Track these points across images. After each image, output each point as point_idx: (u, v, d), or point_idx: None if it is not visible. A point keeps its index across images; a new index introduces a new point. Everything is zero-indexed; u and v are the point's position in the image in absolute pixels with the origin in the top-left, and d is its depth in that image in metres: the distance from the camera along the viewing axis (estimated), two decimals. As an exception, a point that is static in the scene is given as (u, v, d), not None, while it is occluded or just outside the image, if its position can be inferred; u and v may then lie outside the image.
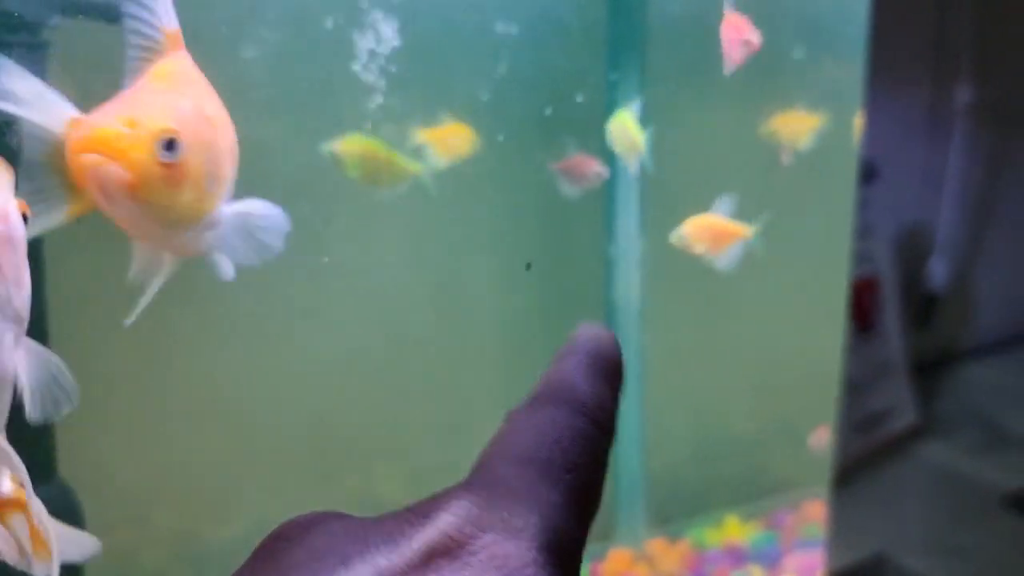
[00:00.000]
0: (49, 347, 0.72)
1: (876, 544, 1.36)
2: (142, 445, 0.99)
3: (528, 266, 0.98)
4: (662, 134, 1.13)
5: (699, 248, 0.87)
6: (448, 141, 0.93)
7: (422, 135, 0.90)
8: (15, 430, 0.72)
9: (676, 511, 1.25)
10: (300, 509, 0.89)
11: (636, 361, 1.21)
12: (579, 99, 0.98)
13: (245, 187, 0.94)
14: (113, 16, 0.70)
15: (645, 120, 1.00)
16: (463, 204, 1.10)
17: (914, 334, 2.03)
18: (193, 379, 0.98)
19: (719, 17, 1.04)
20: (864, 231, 1.67)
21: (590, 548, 0.96)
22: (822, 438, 1.07)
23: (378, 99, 0.90)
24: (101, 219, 0.85)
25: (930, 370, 2.05)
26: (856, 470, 1.59)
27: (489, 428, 0.99)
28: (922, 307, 2.02)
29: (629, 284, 1.17)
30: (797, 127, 1.05)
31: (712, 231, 0.90)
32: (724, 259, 0.91)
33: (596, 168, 0.98)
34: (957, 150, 1.98)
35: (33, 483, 0.73)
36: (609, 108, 1.10)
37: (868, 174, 1.66)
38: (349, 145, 0.86)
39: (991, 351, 2.20)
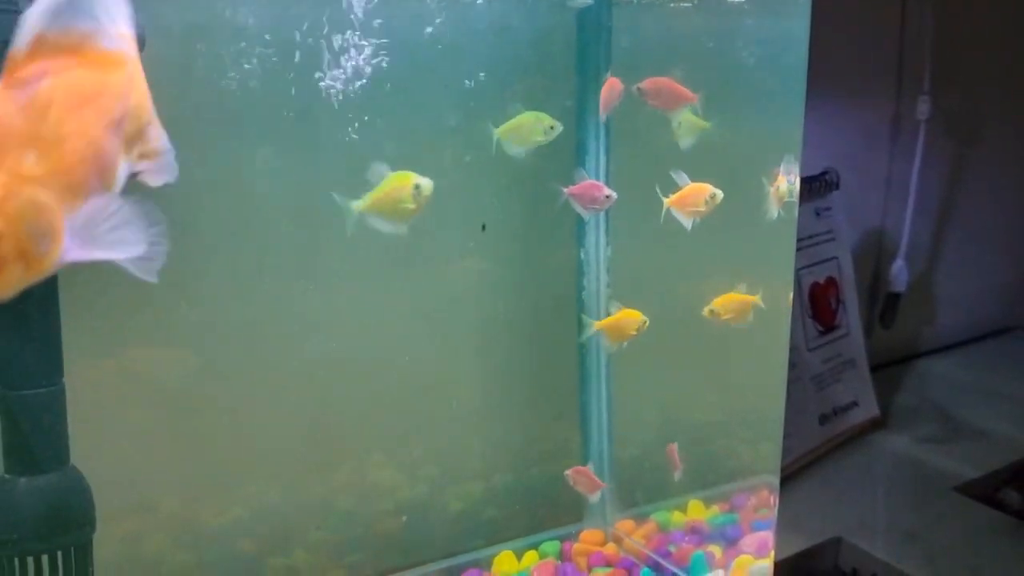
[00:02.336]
0: (60, 344, 0.80)
1: (835, 529, 1.45)
2: (147, 436, 1.05)
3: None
4: (625, 153, 1.23)
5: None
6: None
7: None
8: (31, 423, 0.80)
9: (642, 497, 1.34)
10: (297, 496, 1.00)
11: (604, 356, 1.30)
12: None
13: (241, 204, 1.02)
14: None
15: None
16: (447, 217, 1.18)
17: (877, 333, 2.13)
18: (197, 374, 1.03)
19: (678, 46, 1.14)
20: (827, 235, 1.77)
21: (562, 529, 1.08)
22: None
23: (356, 126, 0.98)
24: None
25: (892, 367, 2.15)
26: (819, 460, 1.68)
27: (472, 420, 1.12)
28: (886, 308, 2.11)
29: (597, 285, 1.27)
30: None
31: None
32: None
33: (605, 192, 1.06)
34: (918, 160, 2.07)
35: (47, 469, 0.80)
36: (579, 131, 1.20)
37: (829, 184, 1.76)
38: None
39: (950, 350, 2.30)
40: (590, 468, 1.16)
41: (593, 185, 1.06)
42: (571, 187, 1.06)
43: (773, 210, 1.08)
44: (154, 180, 0.61)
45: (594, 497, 1.17)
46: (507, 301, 1.25)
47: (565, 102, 1.13)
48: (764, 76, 1.04)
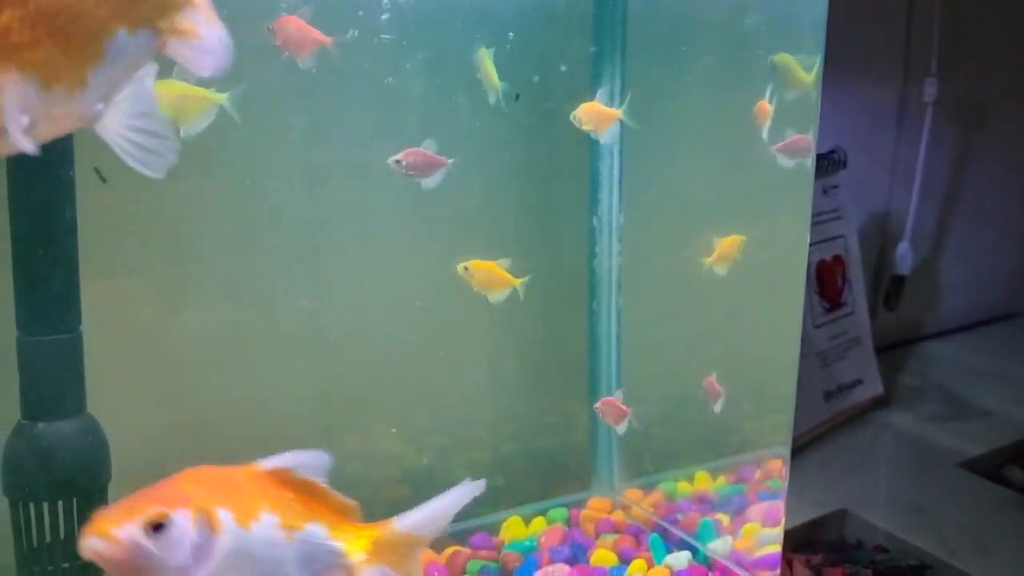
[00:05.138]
0: (79, 291, 0.79)
1: (841, 501, 1.45)
2: (156, 400, 1.05)
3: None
4: (641, 112, 1.22)
5: (588, 127, 1.03)
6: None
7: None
8: (49, 369, 0.79)
9: (650, 466, 1.34)
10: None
11: (614, 324, 1.30)
12: (563, 68, 1.05)
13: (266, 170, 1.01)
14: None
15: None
16: (457, 186, 1.17)
17: (882, 315, 2.13)
18: (207, 338, 1.03)
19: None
20: (834, 213, 1.77)
21: (571, 496, 1.07)
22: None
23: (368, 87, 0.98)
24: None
25: (896, 349, 2.16)
26: (824, 435, 1.69)
27: (478, 394, 1.11)
28: (890, 290, 2.12)
29: (609, 253, 1.27)
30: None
31: (596, 113, 1.05)
32: (607, 136, 1.06)
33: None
34: (925, 142, 2.08)
35: (65, 415, 0.79)
36: (594, 80, 1.18)
37: (837, 163, 1.76)
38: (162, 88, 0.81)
39: (954, 333, 2.31)
40: (617, 396, 1.15)
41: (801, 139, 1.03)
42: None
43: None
44: (196, 66, 0.50)
45: (622, 427, 1.16)
46: (517, 270, 1.25)
47: (580, 54, 1.12)
48: (783, 33, 1.03)
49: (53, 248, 0.78)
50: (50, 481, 0.80)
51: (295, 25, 0.88)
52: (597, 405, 1.16)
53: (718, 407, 1.15)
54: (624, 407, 1.14)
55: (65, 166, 0.79)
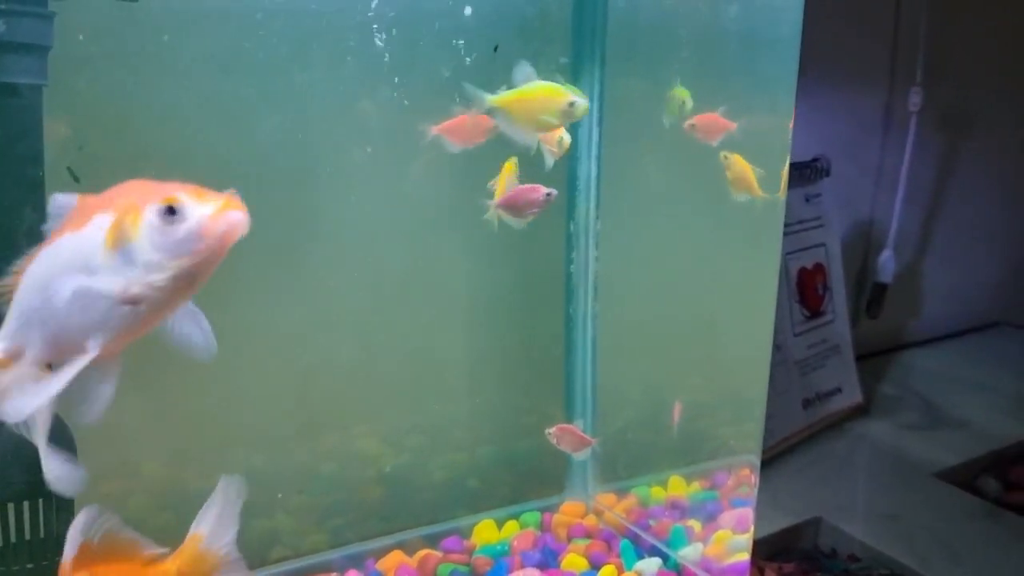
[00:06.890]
0: None
1: (815, 509, 1.46)
2: (132, 398, 1.05)
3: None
4: (617, 121, 1.23)
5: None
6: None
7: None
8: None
9: (624, 472, 1.34)
10: (281, 464, 0.99)
11: (590, 329, 1.31)
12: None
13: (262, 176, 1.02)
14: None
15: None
16: (434, 182, 1.18)
17: (863, 323, 2.14)
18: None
19: (675, 9, 1.14)
20: (816, 221, 1.78)
21: (543, 500, 1.07)
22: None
23: (352, 74, 0.98)
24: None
25: (877, 357, 2.17)
26: (802, 443, 1.69)
27: (456, 395, 1.11)
28: (872, 298, 2.13)
29: (586, 258, 1.27)
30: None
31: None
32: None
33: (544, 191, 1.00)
34: (909, 151, 2.09)
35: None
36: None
37: (820, 171, 1.77)
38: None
39: (935, 342, 2.32)
40: (577, 425, 1.14)
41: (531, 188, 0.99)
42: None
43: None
44: None
45: (582, 455, 1.14)
46: (495, 273, 1.25)
47: (560, 59, 1.12)
48: (758, 42, 1.04)
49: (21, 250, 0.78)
50: (16, 484, 0.80)
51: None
52: (551, 431, 1.11)
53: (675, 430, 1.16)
54: (586, 436, 1.12)
55: (33, 166, 0.79)
